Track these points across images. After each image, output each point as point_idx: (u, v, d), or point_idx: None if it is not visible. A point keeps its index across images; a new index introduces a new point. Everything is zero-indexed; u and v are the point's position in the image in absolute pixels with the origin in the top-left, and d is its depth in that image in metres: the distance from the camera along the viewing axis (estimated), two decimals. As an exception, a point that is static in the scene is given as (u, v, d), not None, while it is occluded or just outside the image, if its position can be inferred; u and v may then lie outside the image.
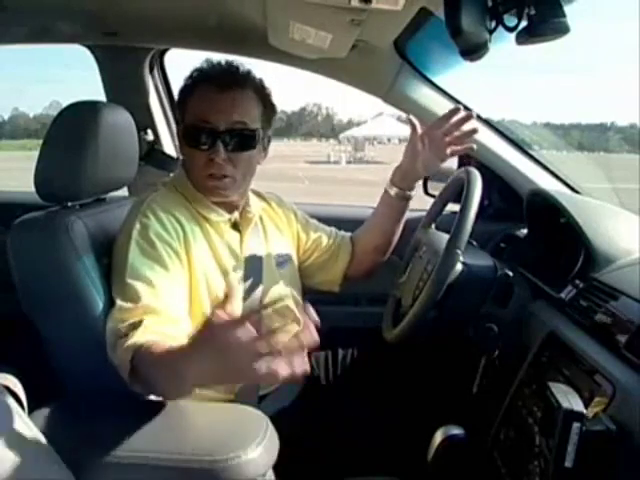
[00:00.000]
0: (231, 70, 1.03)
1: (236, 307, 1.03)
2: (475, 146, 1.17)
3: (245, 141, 1.02)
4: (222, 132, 0.99)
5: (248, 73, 1.05)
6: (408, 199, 1.21)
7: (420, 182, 1.25)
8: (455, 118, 1.12)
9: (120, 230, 0.98)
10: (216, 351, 0.65)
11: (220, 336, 0.64)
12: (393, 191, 1.20)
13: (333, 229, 1.30)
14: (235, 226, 1.10)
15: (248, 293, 1.06)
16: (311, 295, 1.31)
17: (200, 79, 1.03)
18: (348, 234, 1.30)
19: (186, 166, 1.08)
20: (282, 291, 1.15)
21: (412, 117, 1.15)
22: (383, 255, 1.28)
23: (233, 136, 1.00)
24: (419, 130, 1.13)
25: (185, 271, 0.97)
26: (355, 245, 1.28)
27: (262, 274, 1.10)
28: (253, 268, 1.09)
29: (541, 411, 0.85)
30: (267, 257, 1.14)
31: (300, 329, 0.65)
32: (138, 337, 0.84)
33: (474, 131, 1.14)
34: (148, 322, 0.86)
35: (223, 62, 1.05)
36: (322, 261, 1.25)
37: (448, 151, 1.14)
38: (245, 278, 1.07)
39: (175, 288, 0.94)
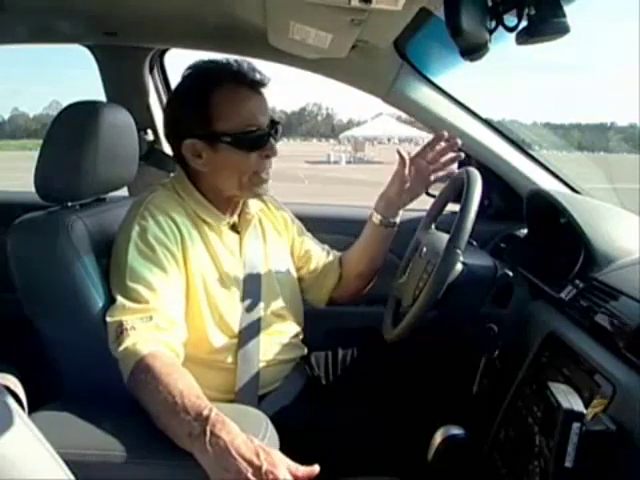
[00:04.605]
0: (254, 68, 1.03)
1: (235, 309, 1.04)
2: (455, 169, 1.19)
3: (277, 134, 1.06)
4: (268, 129, 1.02)
5: (254, 67, 1.05)
6: (393, 226, 1.21)
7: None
8: (439, 146, 1.17)
9: (119, 231, 0.98)
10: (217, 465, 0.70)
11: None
12: (377, 219, 1.20)
13: (326, 246, 1.30)
14: (234, 228, 1.10)
15: (247, 295, 1.06)
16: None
17: (220, 82, 1.00)
18: (339, 254, 1.30)
19: (198, 174, 1.04)
20: (281, 291, 1.15)
21: (400, 150, 1.17)
22: (365, 283, 1.27)
23: (273, 131, 1.04)
24: (407, 161, 1.15)
25: (182, 274, 0.97)
26: (342, 267, 1.28)
27: (261, 276, 1.10)
28: (252, 270, 1.09)
29: (541, 411, 0.85)
30: (266, 259, 1.14)
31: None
32: (143, 339, 0.85)
33: (457, 157, 1.19)
34: (153, 322, 0.87)
35: (233, 61, 1.03)
36: (312, 277, 1.25)
37: (432, 178, 1.19)
38: (244, 280, 1.07)
39: (173, 291, 0.94)
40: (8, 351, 1.14)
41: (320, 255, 1.27)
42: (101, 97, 1.60)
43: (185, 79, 1.04)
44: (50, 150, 0.98)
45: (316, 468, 0.74)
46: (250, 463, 0.69)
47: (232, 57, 1.06)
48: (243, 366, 1.03)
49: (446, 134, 1.17)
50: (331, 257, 1.28)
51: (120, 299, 0.90)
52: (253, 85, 1.02)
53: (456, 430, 1.01)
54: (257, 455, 0.70)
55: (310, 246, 1.27)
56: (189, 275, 0.98)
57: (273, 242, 1.18)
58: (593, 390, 0.79)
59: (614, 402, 0.74)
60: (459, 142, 1.17)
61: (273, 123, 1.04)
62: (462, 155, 1.19)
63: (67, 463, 0.61)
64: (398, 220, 1.22)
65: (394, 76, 1.39)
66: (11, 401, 0.59)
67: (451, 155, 1.18)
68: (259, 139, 1.01)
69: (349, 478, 0.97)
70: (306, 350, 1.21)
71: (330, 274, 1.26)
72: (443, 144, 1.18)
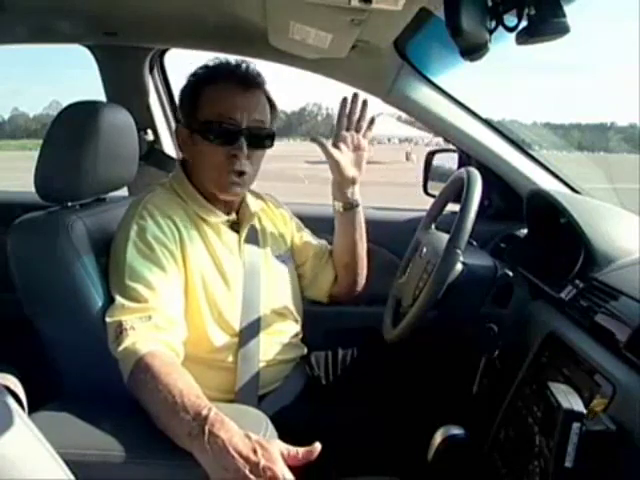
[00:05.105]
0: (249, 70, 1.05)
1: (235, 308, 1.04)
2: (375, 117, 1.19)
3: (263, 139, 1.05)
4: (244, 129, 1.01)
5: (260, 75, 1.06)
6: (356, 206, 1.19)
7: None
8: (352, 111, 1.15)
9: (117, 231, 0.99)
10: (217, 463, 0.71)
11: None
12: (339, 206, 1.18)
13: (324, 242, 1.30)
14: (233, 226, 1.11)
15: (247, 294, 1.06)
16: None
17: (216, 77, 1.03)
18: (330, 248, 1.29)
19: (189, 165, 1.08)
20: (281, 291, 1.15)
21: (314, 136, 1.16)
22: (354, 274, 1.25)
23: (253, 134, 1.03)
24: (327, 144, 1.13)
25: (181, 273, 0.97)
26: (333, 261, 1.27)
27: (261, 275, 1.10)
28: (252, 268, 1.09)
29: (541, 411, 0.85)
30: (266, 256, 1.14)
31: None
32: (142, 339, 0.85)
33: (365, 103, 1.17)
34: (152, 321, 0.87)
35: (236, 61, 1.05)
36: (313, 274, 1.25)
37: (363, 139, 1.17)
38: (244, 278, 1.07)
39: (172, 290, 0.94)
40: (8, 351, 1.14)
41: (319, 250, 1.26)
42: (101, 97, 1.60)
43: (192, 75, 1.07)
44: (50, 150, 0.98)
45: (317, 447, 0.74)
46: (247, 460, 0.69)
47: (240, 58, 1.08)
48: (243, 366, 1.03)
49: (347, 99, 1.16)
50: (327, 252, 1.28)
51: (119, 299, 0.90)
52: (243, 83, 1.02)
53: (456, 430, 1.01)
54: (254, 452, 0.70)
55: (309, 242, 1.26)
56: (188, 273, 0.98)
57: (273, 241, 1.18)
58: (593, 390, 0.79)
59: (614, 402, 0.74)
60: (358, 98, 1.16)
61: (258, 128, 1.03)
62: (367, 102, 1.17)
63: (67, 463, 0.61)
64: (358, 197, 1.19)
65: (394, 76, 1.39)
66: (11, 401, 0.59)
67: (362, 107, 1.16)
68: (227, 133, 1.01)
69: (349, 478, 0.97)
70: (306, 350, 1.20)
71: (328, 268, 1.25)
72: (353, 107, 1.16)
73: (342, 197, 1.17)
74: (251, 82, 1.04)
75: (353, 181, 1.16)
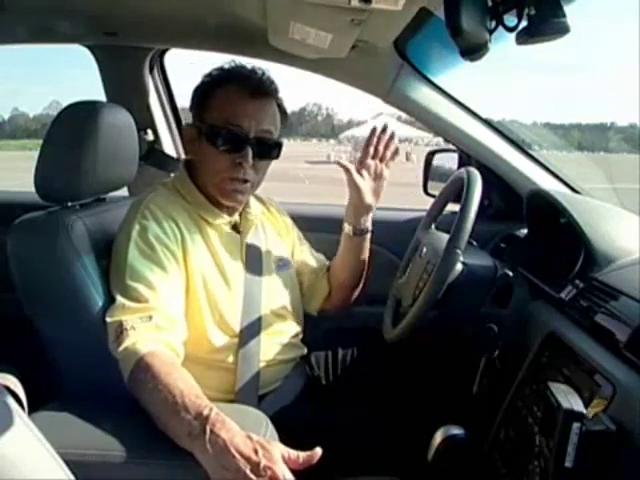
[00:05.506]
0: (263, 77, 1.04)
1: (236, 308, 1.04)
2: (398, 148, 1.22)
3: (270, 150, 1.05)
4: (251, 138, 1.01)
5: (274, 83, 1.06)
6: (366, 232, 1.20)
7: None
8: (378, 140, 1.18)
9: (119, 230, 0.99)
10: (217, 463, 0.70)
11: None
12: (349, 229, 1.19)
13: (321, 256, 1.30)
14: (235, 228, 1.11)
15: (247, 294, 1.06)
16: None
17: (230, 80, 1.03)
18: (328, 264, 1.29)
19: (193, 166, 1.08)
20: (281, 293, 1.15)
21: (340, 161, 1.17)
22: (349, 294, 1.26)
23: (261, 144, 1.02)
24: (352, 169, 1.14)
25: (182, 273, 0.97)
26: (328, 277, 1.27)
27: (262, 276, 1.11)
28: (253, 270, 1.09)
29: (541, 411, 0.85)
30: (267, 259, 1.14)
31: None
32: (142, 339, 0.85)
33: (393, 135, 1.20)
34: (153, 321, 0.87)
35: (251, 67, 1.05)
36: (306, 287, 1.25)
37: (385, 169, 1.19)
38: (245, 280, 1.07)
39: (173, 290, 0.94)
40: (8, 351, 1.14)
41: (315, 266, 1.27)
42: (101, 97, 1.60)
43: (206, 75, 1.07)
44: (50, 150, 0.98)
45: (317, 452, 0.74)
46: (248, 460, 0.69)
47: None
48: (243, 366, 1.03)
49: (377, 128, 1.19)
50: (324, 267, 1.28)
51: (120, 298, 0.90)
52: (256, 90, 1.02)
53: (456, 430, 1.01)
54: (255, 452, 0.70)
55: (307, 256, 1.27)
56: (189, 274, 0.98)
57: (274, 243, 1.18)
58: (593, 390, 0.79)
59: (614, 402, 0.74)
60: (389, 128, 1.19)
61: (266, 139, 1.03)
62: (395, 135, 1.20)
63: (67, 463, 0.61)
64: (369, 225, 1.20)
65: (394, 76, 1.39)
66: (11, 401, 0.59)
67: (388, 139, 1.19)
68: (233, 140, 1.01)
69: (349, 478, 0.97)
70: (306, 350, 1.20)
71: (323, 284, 1.26)
72: (381, 137, 1.18)
73: (355, 222, 1.19)
74: (264, 90, 1.03)
75: (368, 209, 1.18)
